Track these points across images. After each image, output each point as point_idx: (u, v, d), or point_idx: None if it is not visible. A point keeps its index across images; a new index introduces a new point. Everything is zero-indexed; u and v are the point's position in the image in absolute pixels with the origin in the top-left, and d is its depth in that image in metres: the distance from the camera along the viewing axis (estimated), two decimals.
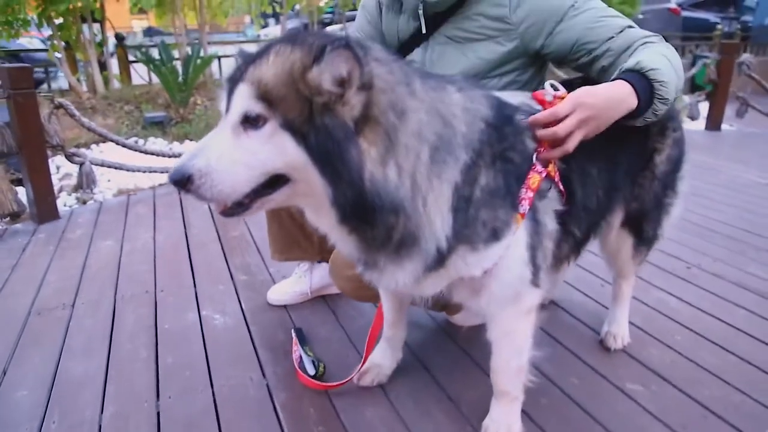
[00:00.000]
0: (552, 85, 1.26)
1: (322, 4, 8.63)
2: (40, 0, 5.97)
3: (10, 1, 5.55)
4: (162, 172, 4.07)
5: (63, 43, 6.37)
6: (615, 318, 1.94)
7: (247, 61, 1.04)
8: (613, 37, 1.42)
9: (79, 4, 5.98)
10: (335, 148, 0.96)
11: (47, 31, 6.42)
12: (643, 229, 1.65)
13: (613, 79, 1.30)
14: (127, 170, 3.90)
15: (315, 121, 0.96)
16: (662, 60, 1.32)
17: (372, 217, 1.02)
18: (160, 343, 2.04)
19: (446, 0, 1.52)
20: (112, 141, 3.77)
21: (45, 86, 6.93)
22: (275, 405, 1.68)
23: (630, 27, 1.44)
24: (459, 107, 1.12)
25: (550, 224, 1.24)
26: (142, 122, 5.47)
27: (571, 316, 2.20)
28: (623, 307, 1.94)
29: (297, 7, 8.88)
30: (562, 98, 1.23)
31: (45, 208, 3.43)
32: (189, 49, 6.31)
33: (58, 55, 6.19)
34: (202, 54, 6.84)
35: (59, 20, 6.18)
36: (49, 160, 3.93)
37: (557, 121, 1.19)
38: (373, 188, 0.99)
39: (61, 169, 4.44)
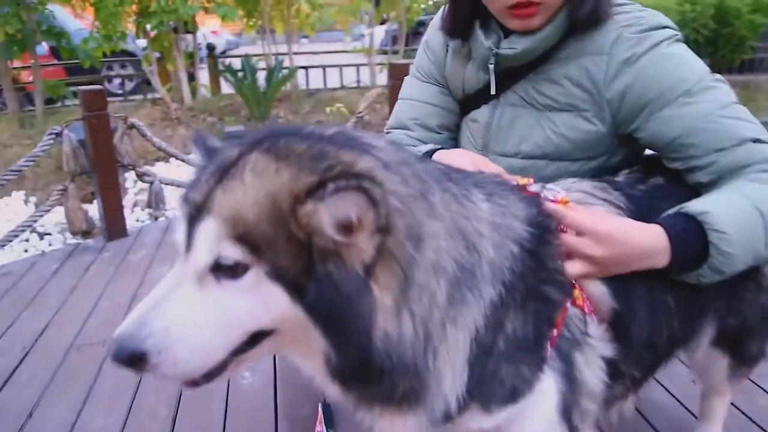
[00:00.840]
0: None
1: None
2: (136, 14, 6.25)
3: (110, 16, 5.83)
4: None
5: (157, 54, 6.64)
6: None
7: (214, 172, 0.78)
8: (725, 149, 1.08)
9: (173, 18, 6.19)
10: (342, 304, 0.72)
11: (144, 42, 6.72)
12: (744, 346, 1.30)
13: (656, 221, 1.03)
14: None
15: (315, 271, 0.72)
16: (750, 211, 1.03)
17: (377, 379, 0.79)
18: (182, 400, 1.94)
19: (525, 54, 1.21)
20: (181, 161, 3.79)
21: (140, 95, 7.28)
22: None
23: (756, 141, 1.09)
24: (487, 223, 0.88)
25: (594, 380, 0.96)
26: (223, 135, 5.56)
27: (648, 423, 1.78)
28: (714, 427, 1.56)
29: (385, 17, 8.78)
30: (565, 202, 1.00)
31: (114, 226, 3.51)
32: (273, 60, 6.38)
33: (150, 68, 6.45)
34: (287, 65, 6.91)
35: (154, 32, 6.44)
36: (126, 175, 4.05)
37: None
38: (384, 348, 0.76)
39: (137, 183, 4.57)
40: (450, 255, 0.82)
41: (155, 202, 3.71)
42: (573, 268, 0.96)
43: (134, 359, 0.72)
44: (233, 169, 0.77)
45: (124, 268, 3.15)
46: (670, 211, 1.05)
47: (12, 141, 4.93)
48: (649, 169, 1.20)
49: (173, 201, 4.18)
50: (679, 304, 1.06)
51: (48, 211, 3.30)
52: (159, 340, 0.73)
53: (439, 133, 1.45)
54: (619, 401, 1.12)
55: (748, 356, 1.32)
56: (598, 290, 0.98)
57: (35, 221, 3.24)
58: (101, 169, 3.39)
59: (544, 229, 0.95)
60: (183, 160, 3.80)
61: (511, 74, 1.28)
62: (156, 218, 3.97)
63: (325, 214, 0.72)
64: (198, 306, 0.75)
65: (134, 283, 2.94)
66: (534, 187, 1.04)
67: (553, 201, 0.99)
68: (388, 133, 1.52)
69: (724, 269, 1.01)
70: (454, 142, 1.49)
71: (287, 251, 0.73)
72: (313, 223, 0.72)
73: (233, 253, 0.73)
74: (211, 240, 0.74)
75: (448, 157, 1.23)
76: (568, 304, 0.93)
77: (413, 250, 0.78)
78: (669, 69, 1.12)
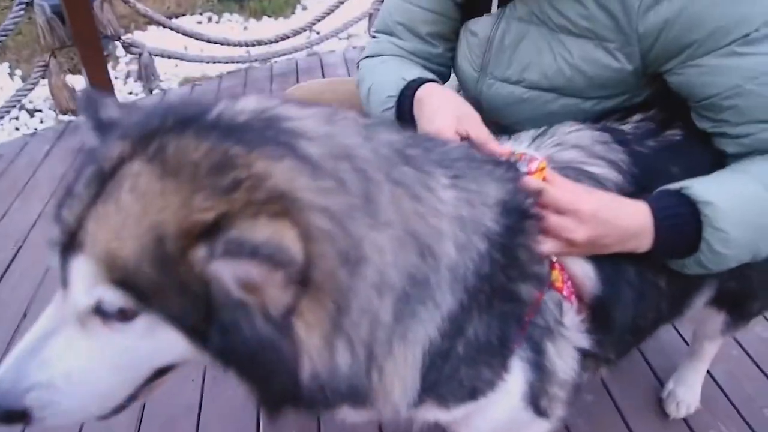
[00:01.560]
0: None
1: None
2: None
3: None
4: (226, 62, 3.79)
5: None
6: (684, 378, 1.50)
7: (90, 182, 0.62)
8: (767, 121, 0.89)
9: None
10: (256, 351, 0.61)
11: None
12: (744, 306, 1.18)
13: (647, 198, 0.87)
14: (188, 60, 3.66)
15: (219, 318, 0.59)
16: (754, 197, 0.85)
17: (311, 406, 0.70)
18: None
19: None
20: (170, 28, 3.49)
21: None
22: None
23: None
24: (449, 219, 0.71)
25: (565, 370, 0.86)
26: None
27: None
28: (699, 367, 1.49)
29: None
30: (542, 170, 0.84)
31: None
32: None
33: None
34: None
35: None
36: (116, 43, 3.77)
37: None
38: (314, 385, 0.66)
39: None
40: (398, 269, 0.67)
41: (146, 75, 3.49)
42: (549, 246, 0.81)
43: (13, 416, 0.62)
44: (110, 183, 0.60)
45: None
46: (670, 187, 0.87)
47: None
48: (668, 117, 0.99)
49: (168, 71, 3.94)
50: (672, 285, 0.93)
51: (31, 89, 3.11)
52: (42, 394, 0.62)
53: (431, 44, 1.22)
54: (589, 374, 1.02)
55: (746, 314, 1.20)
56: (582, 270, 0.84)
57: (19, 101, 3.07)
58: (82, 41, 3.12)
59: (520, 215, 0.79)
60: (171, 28, 3.49)
61: None
62: (150, 90, 3.76)
63: (223, 271, 0.57)
64: (84, 352, 0.63)
65: None
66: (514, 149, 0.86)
67: (529, 172, 0.82)
68: (374, 37, 1.29)
69: (710, 267, 0.87)
70: (452, 55, 1.26)
71: (179, 299, 0.59)
72: (206, 274, 0.57)
73: (114, 299, 0.60)
74: (87, 283, 0.60)
75: (427, 105, 1.02)
76: (545, 290, 0.80)
77: (348, 277, 0.63)
78: (730, 1, 0.86)
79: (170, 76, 3.92)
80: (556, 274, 0.81)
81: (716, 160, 0.95)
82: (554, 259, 0.82)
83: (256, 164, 0.60)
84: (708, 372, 1.54)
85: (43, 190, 2.71)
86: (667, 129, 0.99)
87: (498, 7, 1.08)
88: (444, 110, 1.00)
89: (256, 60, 3.89)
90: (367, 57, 1.27)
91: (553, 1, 0.99)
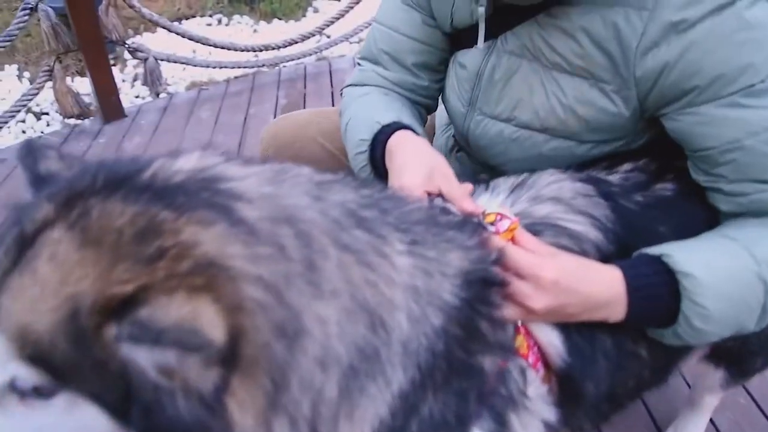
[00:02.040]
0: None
1: None
2: None
3: None
4: (233, 67, 3.76)
5: None
6: (684, 428, 1.41)
7: (11, 247, 0.56)
8: (765, 182, 0.82)
9: None
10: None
11: None
12: (744, 363, 1.10)
13: (622, 264, 0.81)
14: (194, 65, 3.64)
15: (140, 398, 0.54)
16: (752, 283, 0.78)
17: None
18: None
19: None
20: (176, 33, 3.47)
21: None
22: None
23: None
24: (403, 289, 0.65)
25: None
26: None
27: None
28: (700, 420, 1.40)
29: None
30: (512, 230, 0.78)
31: (109, 108, 3.32)
32: None
33: None
34: None
35: None
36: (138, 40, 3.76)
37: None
38: None
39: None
40: (345, 341, 0.61)
41: (151, 79, 3.47)
42: (508, 312, 0.75)
43: None
44: (30, 251, 0.55)
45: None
46: (649, 251, 0.81)
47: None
48: (660, 168, 0.92)
49: (175, 74, 3.92)
50: (654, 353, 0.86)
51: (36, 93, 3.10)
52: None
53: (417, 75, 1.16)
54: None
55: (747, 371, 1.12)
56: (546, 338, 0.78)
57: (24, 105, 3.07)
58: (87, 46, 3.11)
59: (483, 284, 0.72)
60: (177, 33, 3.47)
61: (515, 11, 0.95)
62: (157, 94, 3.75)
63: (134, 354, 0.51)
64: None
65: None
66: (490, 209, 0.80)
67: (496, 232, 0.76)
68: (359, 64, 1.23)
69: (689, 340, 0.80)
70: (439, 87, 1.20)
71: (97, 378, 0.54)
72: (122, 355, 0.52)
73: (27, 376, 0.55)
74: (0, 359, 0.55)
75: (397, 157, 0.96)
76: (509, 359, 0.74)
77: (287, 351, 0.57)
78: (735, 47, 0.79)
79: (177, 79, 3.90)
80: (520, 339, 0.75)
81: (709, 220, 0.88)
82: (519, 323, 0.76)
83: (185, 230, 0.54)
84: (711, 421, 1.46)
85: None
86: (658, 182, 0.92)
87: (488, 39, 1.02)
88: (413, 165, 0.94)
89: (263, 65, 3.85)
90: (350, 85, 1.21)
91: (545, 36, 0.93)
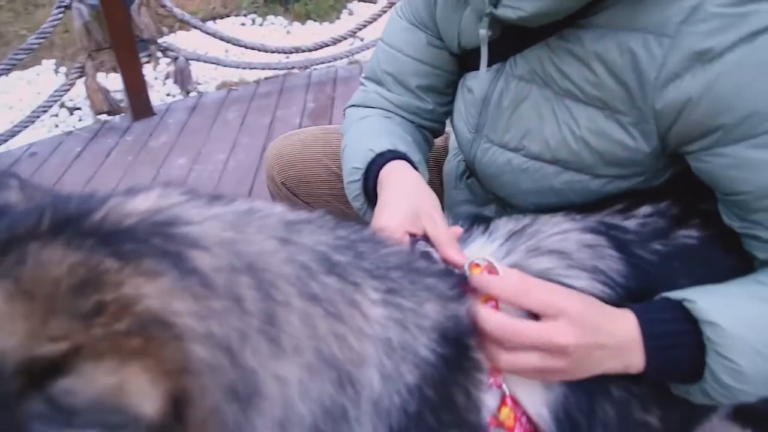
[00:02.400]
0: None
1: None
2: None
3: None
4: (263, 68, 3.76)
5: None
6: None
7: None
8: None
9: None
10: None
11: None
12: None
13: (635, 308, 0.73)
14: (224, 66, 3.64)
15: None
16: None
17: None
18: None
19: (536, 18, 0.81)
20: (206, 33, 3.47)
21: None
22: None
23: None
24: (375, 342, 0.59)
25: None
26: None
27: None
28: None
29: None
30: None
31: (138, 105, 3.35)
32: None
33: None
34: None
35: None
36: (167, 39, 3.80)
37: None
38: None
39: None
40: (308, 401, 0.56)
41: (181, 79, 3.49)
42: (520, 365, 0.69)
43: None
44: None
45: (142, 156, 3.03)
46: (671, 296, 0.72)
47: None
48: (683, 211, 0.83)
49: (206, 73, 3.93)
50: (668, 421, 0.77)
51: (68, 89, 3.15)
52: None
53: (421, 98, 1.10)
54: None
55: None
56: (537, 410, 0.71)
57: (56, 100, 3.12)
58: (119, 44, 3.14)
59: (462, 346, 0.66)
60: (207, 33, 3.47)
61: (524, 33, 0.88)
62: (188, 93, 3.77)
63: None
64: None
65: (148, 176, 2.84)
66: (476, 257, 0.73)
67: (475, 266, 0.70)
68: (362, 84, 1.18)
69: (720, 399, 0.71)
70: (447, 110, 1.13)
71: None
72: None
73: None
74: None
75: (384, 192, 0.90)
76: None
77: (240, 414, 0.52)
78: (766, 81, 0.70)
79: (209, 79, 3.91)
80: (506, 412, 0.68)
81: (738, 272, 0.79)
82: (506, 392, 0.69)
83: (129, 282, 0.49)
84: None
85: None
86: (681, 228, 0.83)
87: (496, 62, 0.95)
88: (397, 203, 0.88)
89: (294, 67, 3.83)
90: (352, 106, 1.16)
91: (556, 61, 0.85)
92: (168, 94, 3.82)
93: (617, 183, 0.89)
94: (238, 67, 3.70)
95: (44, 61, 3.92)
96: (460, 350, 0.66)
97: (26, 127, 3.07)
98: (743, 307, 0.72)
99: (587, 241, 0.78)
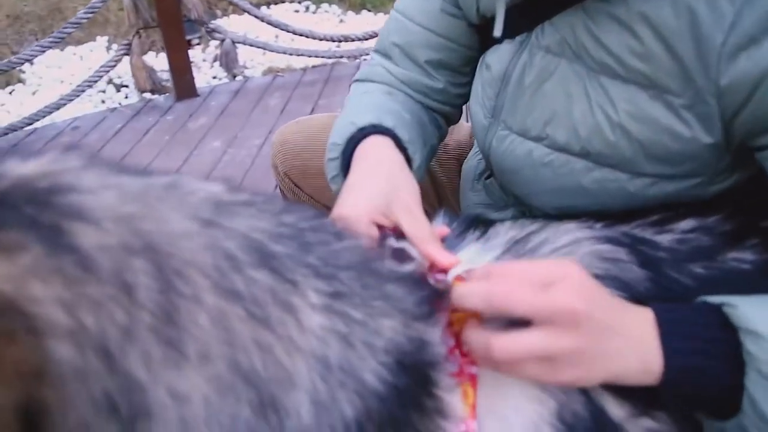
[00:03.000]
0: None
1: None
2: None
3: None
4: (310, 56, 3.67)
5: None
6: None
7: None
8: None
9: None
10: None
11: None
12: None
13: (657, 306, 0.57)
14: (271, 51, 3.58)
15: None
16: None
17: None
18: None
19: None
20: (256, 17, 3.42)
21: None
22: None
23: None
24: (307, 358, 0.47)
25: None
26: None
27: None
28: None
29: None
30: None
31: (182, 86, 3.33)
32: None
33: None
34: None
35: None
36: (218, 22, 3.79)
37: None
38: None
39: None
40: (215, 425, 0.43)
41: (226, 62, 3.45)
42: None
43: None
44: None
45: (179, 136, 3.01)
46: (708, 299, 0.57)
47: None
48: (739, 228, 0.67)
49: (254, 58, 3.89)
50: None
51: (114, 66, 3.16)
52: None
53: (430, 75, 0.96)
54: None
55: None
56: None
57: (101, 76, 3.13)
58: (166, 24, 3.13)
59: (423, 371, 0.52)
60: (256, 16, 3.42)
61: (546, 2, 0.73)
62: (234, 76, 3.74)
63: None
64: None
65: (182, 156, 2.81)
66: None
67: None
68: (372, 57, 1.05)
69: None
70: (462, 92, 0.99)
71: None
72: None
73: None
74: None
75: (354, 171, 0.77)
76: None
77: None
78: None
79: (255, 63, 3.87)
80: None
81: None
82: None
83: None
84: None
85: None
86: (733, 249, 0.66)
87: (521, 32, 0.79)
88: (366, 186, 0.73)
89: (343, 56, 3.74)
90: (356, 81, 1.03)
91: (592, 27, 0.69)
92: (214, 77, 3.79)
93: (662, 185, 0.72)
94: (285, 53, 3.63)
95: (98, 38, 3.97)
96: (420, 384, 0.52)
97: (71, 100, 3.09)
98: None
99: (604, 253, 0.63)
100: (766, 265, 0.65)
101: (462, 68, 0.96)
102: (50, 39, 2.90)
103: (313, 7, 4.63)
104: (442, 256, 0.61)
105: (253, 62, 3.88)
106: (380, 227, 0.68)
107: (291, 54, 3.65)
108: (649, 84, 0.67)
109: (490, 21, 0.85)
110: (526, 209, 0.91)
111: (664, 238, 0.67)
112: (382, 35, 1.00)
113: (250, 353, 0.45)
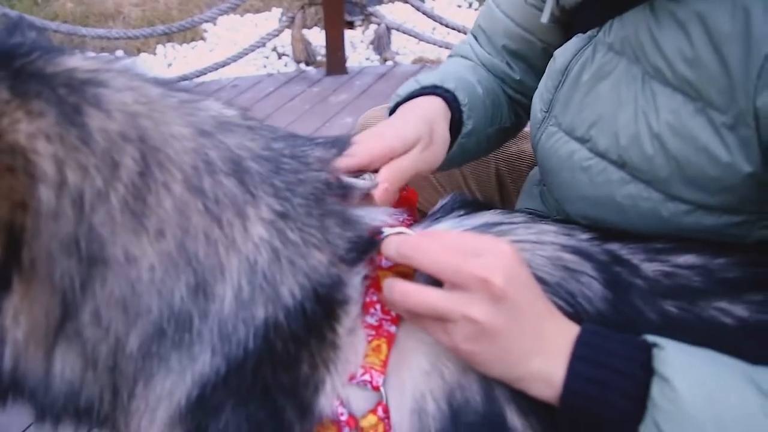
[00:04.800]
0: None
1: None
2: None
3: None
4: None
5: None
6: None
7: None
8: None
9: None
10: None
11: None
12: None
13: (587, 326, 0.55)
14: (423, 40, 3.67)
15: None
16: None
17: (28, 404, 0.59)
18: None
19: None
20: (414, 6, 3.52)
21: None
22: None
23: None
24: (241, 258, 0.55)
25: None
26: None
27: None
28: None
29: None
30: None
31: (333, 62, 3.54)
32: None
33: None
34: None
35: None
36: (378, 7, 3.97)
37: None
38: (18, 381, 0.56)
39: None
40: (159, 294, 0.54)
41: (378, 45, 3.60)
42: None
43: None
44: None
45: (317, 108, 3.21)
46: (649, 336, 0.54)
47: None
48: (749, 277, 0.61)
49: (407, 45, 4.01)
50: None
51: (276, 35, 3.44)
52: None
53: (507, 63, 0.98)
54: None
55: None
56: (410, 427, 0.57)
57: (263, 44, 3.43)
58: (328, 2, 3.34)
59: (332, 309, 0.58)
60: (416, 6, 3.51)
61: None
62: (385, 60, 3.89)
63: None
64: None
65: (313, 127, 3.00)
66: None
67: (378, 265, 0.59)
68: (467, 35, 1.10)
69: None
70: (532, 79, 0.98)
71: None
72: None
73: None
74: None
75: (387, 120, 0.80)
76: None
77: (77, 274, 0.52)
78: None
79: (408, 51, 3.99)
80: (373, 420, 0.55)
81: None
82: (384, 399, 0.56)
83: (10, 115, 0.51)
84: None
85: None
86: (723, 299, 0.59)
87: (593, 26, 0.76)
88: (379, 127, 0.76)
89: None
90: (449, 56, 1.08)
91: (653, 28, 0.65)
92: (367, 59, 3.98)
93: (699, 216, 0.67)
94: (435, 44, 3.69)
95: (273, 9, 4.34)
96: (326, 316, 0.57)
97: (236, 61, 3.43)
98: (720, 384, 0.50)
99: (565, 262, 0.61)
100: (756, 327, 0.58)
101: (537, 63, 0.95)
102: (228, 5, 3.24)
103: (476, 4, 4.63)
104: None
105: (405, 50, 4.00)
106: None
107: (442, 46, 3.71)
108: (695, 95, 0.62)
109: (569, 13, 0.84)
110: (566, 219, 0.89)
111: (651, 267, 0.62)
112: (477, 16, 1.03)
113: (197, 241, 0.54)
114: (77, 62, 0.57)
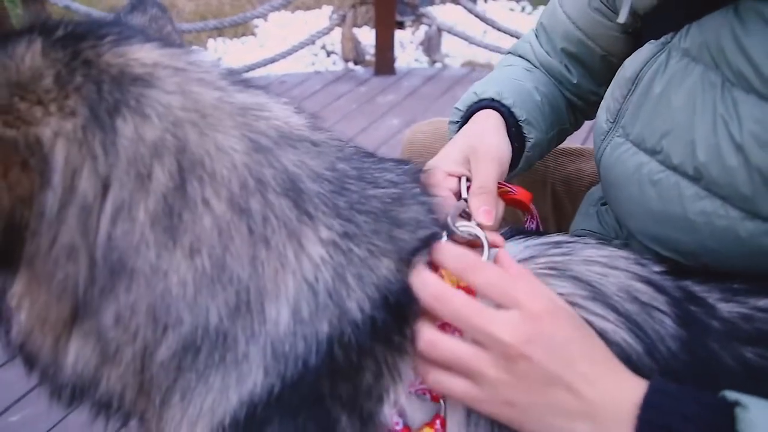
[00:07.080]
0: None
1: None
2: None
3: None
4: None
5: None
6: None
7: None
8: None
9: None
10: None
11: None
12: None
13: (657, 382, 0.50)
14: (473, 44, 3.61)
15: None
16: None
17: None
18: None
19: None
20: (466, 9, 3.46)
21: None
22: None
23: None
24: (297, 280, 0.53)
25: None
26: None
27: None
28: None
29: None
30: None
31: (382, 62, 3.51)
32: None
33: None
34: None
35: None
36: (429, 8, 3.94)
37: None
38: (29, 357, 0.57)
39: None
40: (189, 311, 0.52)
41: (428, 47, 3.55)
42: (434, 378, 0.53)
43: None
44: None
45: (364, 108, 3.19)
46: (725, 393, 0.49)
47: None
48: None
49: (457, 48, 3.95)
50: None
51: (326, 33, 3.43)
52: None
53: (566, 65, 0.95)
54: None
55: None
56: None
57: (312, 42, 3.42)
58: (380, 2, 3.31)
59: (402, 310, 0.55)
60: (468, 9, 3.46)
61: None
62: (434, 62, 3.85)
63: None
64: None
65: (359, 127, 2.98)
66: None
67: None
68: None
69: None
70: (598, 92, 0.94)
71: None
72: None
73: None
74: None
75: (461, 131, 0.82)
76: None
77: (81, 275, 0.51)
78: None
79: (457, 54, 3.93)
80: None
81: None
82: (442, 412, 0.53)
83: (47, 106, 0.50)
84: None
85: None
86: None
87: (667, 32, 0.72)
88: (453, 143, 0.79)
89: None
90: (508, 53, 1.05)
91: (738, 32, 0.61)
92: (416, 60, 3.94)
93: None
94: (486, 48, 3.63)
95: (324, 7, 4.34)
96: (397, 321, 0.55)
97: (285, 57, 3.43)
98: None
99: (636, 293, 0.56)
100: None
101: (596, 68, 0.92)
102: (280, 1, 3.24)
103: (529, 8, 4.54)
104: (477, 212, 0.65)
105: (455, 52, 3.94)
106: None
107: (493, 50, 3.64)
108: None
109: (642, 19, 0.79)
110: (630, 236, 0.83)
111: (728, 308, 0.57)
112: (542, 13, 1.00)
113: (239, 261, 0.51)
114: (141, 53, 0.54)
